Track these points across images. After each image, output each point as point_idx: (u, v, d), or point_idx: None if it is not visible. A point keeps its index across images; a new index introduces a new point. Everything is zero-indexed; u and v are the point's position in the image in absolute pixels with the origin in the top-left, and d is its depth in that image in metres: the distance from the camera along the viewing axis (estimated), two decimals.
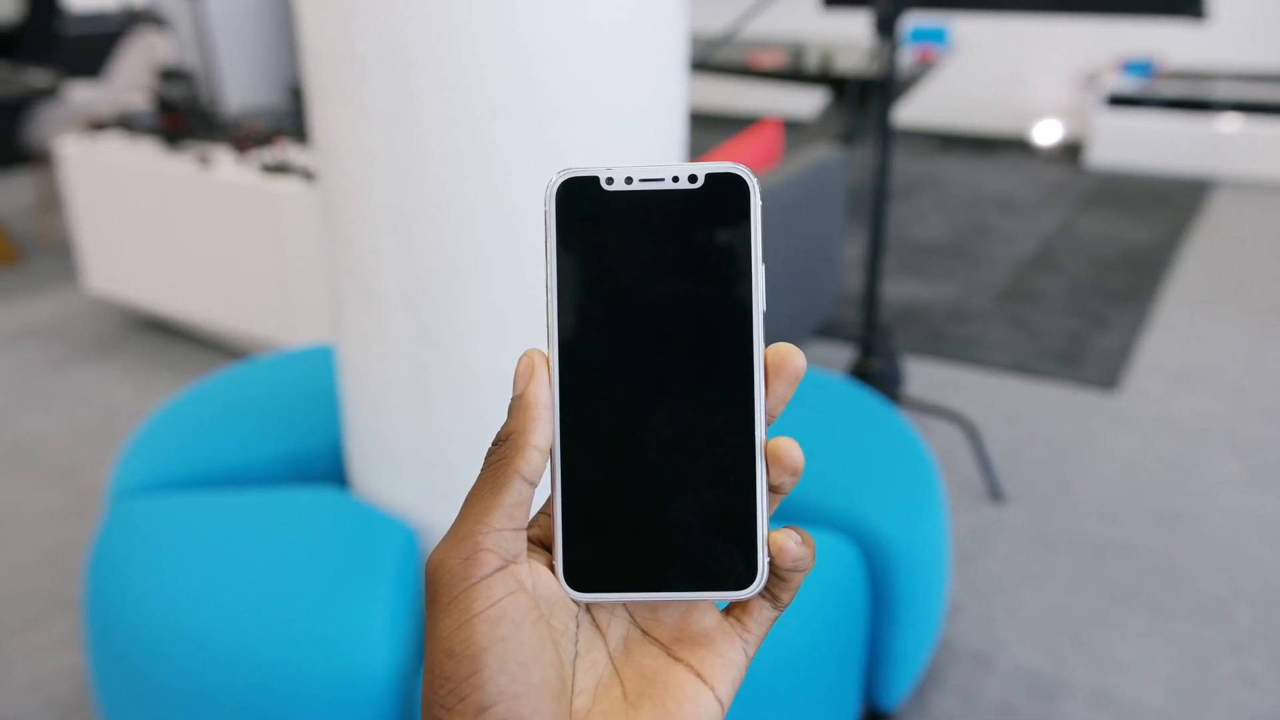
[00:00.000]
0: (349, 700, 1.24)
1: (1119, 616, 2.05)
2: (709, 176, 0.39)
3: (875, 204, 2.48)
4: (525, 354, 0.39)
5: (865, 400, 1.89)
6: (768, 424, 0.39)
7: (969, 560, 2.22)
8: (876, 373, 2.58)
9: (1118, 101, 5.73)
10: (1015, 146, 6.27)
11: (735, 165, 0.39)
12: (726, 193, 0.39)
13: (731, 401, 0.39)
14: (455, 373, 1.36)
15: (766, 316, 0.39)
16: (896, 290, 3.86)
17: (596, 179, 0.39)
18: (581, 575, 0.39)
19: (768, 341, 0.39)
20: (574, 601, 0.40)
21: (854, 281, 3.83)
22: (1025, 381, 3.11)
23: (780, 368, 0.39)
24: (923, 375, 3.12)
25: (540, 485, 0.39)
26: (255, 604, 1.32)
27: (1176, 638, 1.99)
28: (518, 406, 0.39)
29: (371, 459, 1.51)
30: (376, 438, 1.48)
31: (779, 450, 0.39)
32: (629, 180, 0.39)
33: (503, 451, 0.38)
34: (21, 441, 2.80)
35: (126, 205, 3.31)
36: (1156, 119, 5.62)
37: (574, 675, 0.39)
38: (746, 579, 0.39)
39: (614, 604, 0.40)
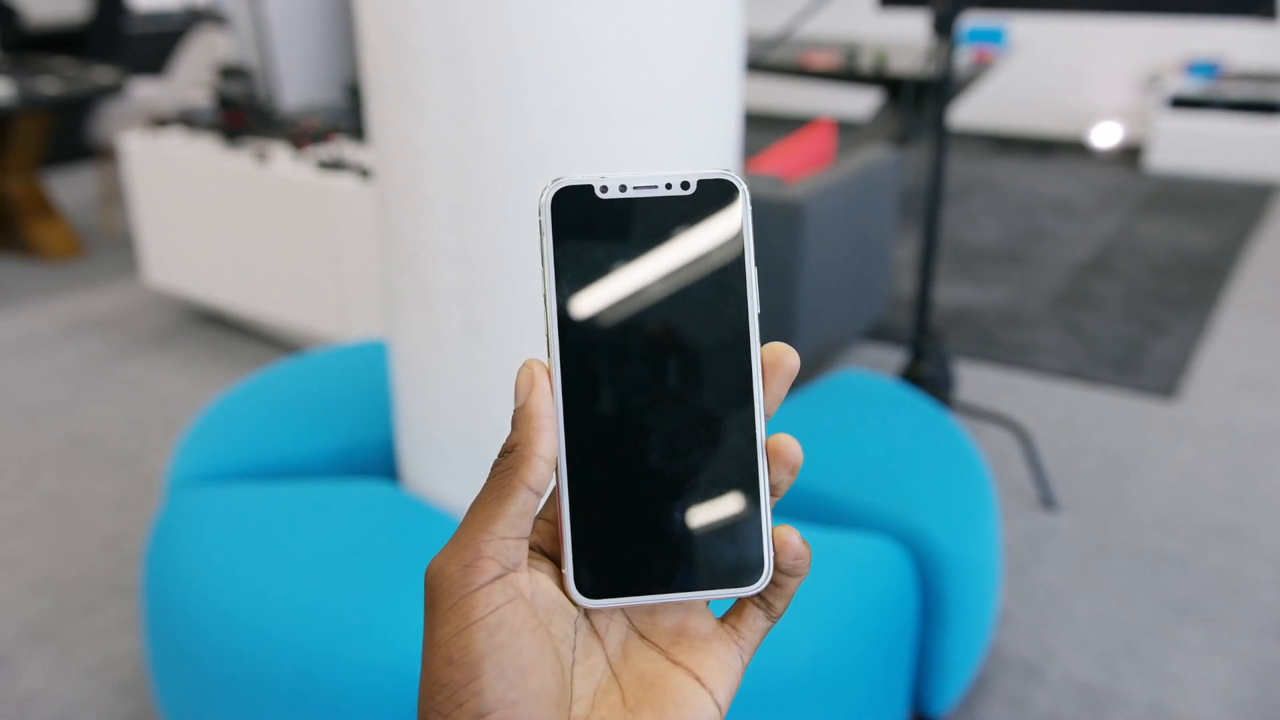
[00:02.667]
0: (395, 691, 1.25)
1: (1176, 630, 2.00)
2: (701, 183, 0.40)
3: (929, 206, 2.45)
4: (524, 364, 0.39)
5: (916, 404, 1.87)
6: (764, 421, 0.40)
7: (1020, 568, 2.18)
8: (928, 376, 2.55)
9: (1181, 103, 5.61)
10: (1073, 149, 6.16)
11: (725, 171, 0.40)
12: (718, 198, 0.40)
13: (732, 401, 0.39)
14: (507, 369, 1.36)
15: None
16: (948, 293, 3.81)
17: (591, 187, 0.40)
18: (593, 582, 0.39)
19: (764, 340, 0.40)
20: (585, 609, 0.40)
21: (905, 284, 3.79)
22: (1080, 388, 3.06)
23: (776, 366, 0.40)
24: (974, 380, 3.08)
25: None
26: (306, 594, 1.34)
27: (1236, 653, 1.94)
28: (521, 417, 0.39)
29: (422, 453, 1.53)
30: (427, 432, 1.50)
31: (780, 446, 0.39)
32: (622, 188, 0.40)
33: (509, 462, 0.38)
34: (82, 430, 2.87)
35: (186, 200, 3.37)
36: (1221, 121, 5.49)
37: (572, 682, 0.39)
38: (755, 574, 0.39)
39: (615, 609, 0.41)
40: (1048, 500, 2.44)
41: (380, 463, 1.71)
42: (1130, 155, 5.97)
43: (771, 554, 0.39)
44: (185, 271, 3.51)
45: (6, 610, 2.10)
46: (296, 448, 1.71)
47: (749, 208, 0.40)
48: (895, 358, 3.20)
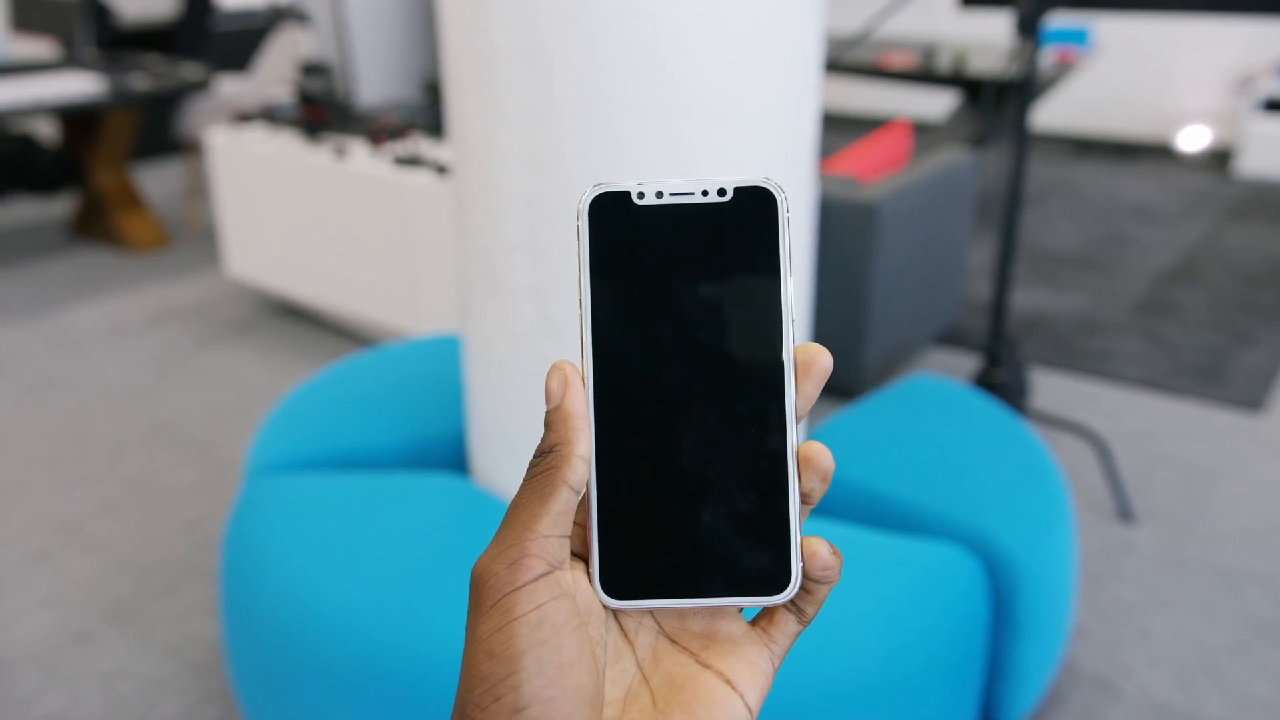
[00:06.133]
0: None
1: (1260, 651, 1.94)
2: (738, 190, 0.40)
3: (1007, 209, 2.40)
4: (555, 366, 0.40)
5: (990, 410, 1.84)
6: (796, 428, 0.40)
7: (1095, 581, 2.13)
8: (1002, 383, 2.50)
9: (1274, 106, 5.42)
10: (1157, 153, 5.99)
11: (764, 179, 0.40)
12: (755, 205, 0.40)
13: (763, 408, 0.39)
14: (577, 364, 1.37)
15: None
16: (1024, 299, 3.73)
17: (628, 194, 0.40)
18: (618, 583, 0.40)
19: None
20: (609, 609, 0.40)
21: (980, 288, 3.72)
22: (1160, 398, 2.97)
23: (809, 366, 0.40)
24: (1050, 388, 3.01)
25: None
26: (375, 583, 1.36)
27: None
28: (557, 418, 0.39)
29: (492, 447, 1.54)
30: (498, 426, 1.51)
31: (811, 454, 0.39)
32: (659, 194, 0.40)
33: (548, 462, 0.39)
34: (165, 416, 2.96)
35: (267, 194, 3.46)
36: None
37: (604, 685, 0.39)
38: (781, 584, 0.39)
39: (643, 612, 0.41)
40: (1125, 513, 2.38)
41: (451, 456, 1.74)
42: (1219, 160, 5.78)
43: (800, 563, 0.39)
44: (264, 264, 3.59)
45: (92, 589, 2.17)
46: (370, 439, 1.74)
47: (788, 215, 0.40)
48: (968, 363, 3.14)
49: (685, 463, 0.39)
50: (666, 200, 0.40)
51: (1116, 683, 1.86)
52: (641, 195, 0.40)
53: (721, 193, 0.40)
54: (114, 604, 2.12)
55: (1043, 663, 1.60)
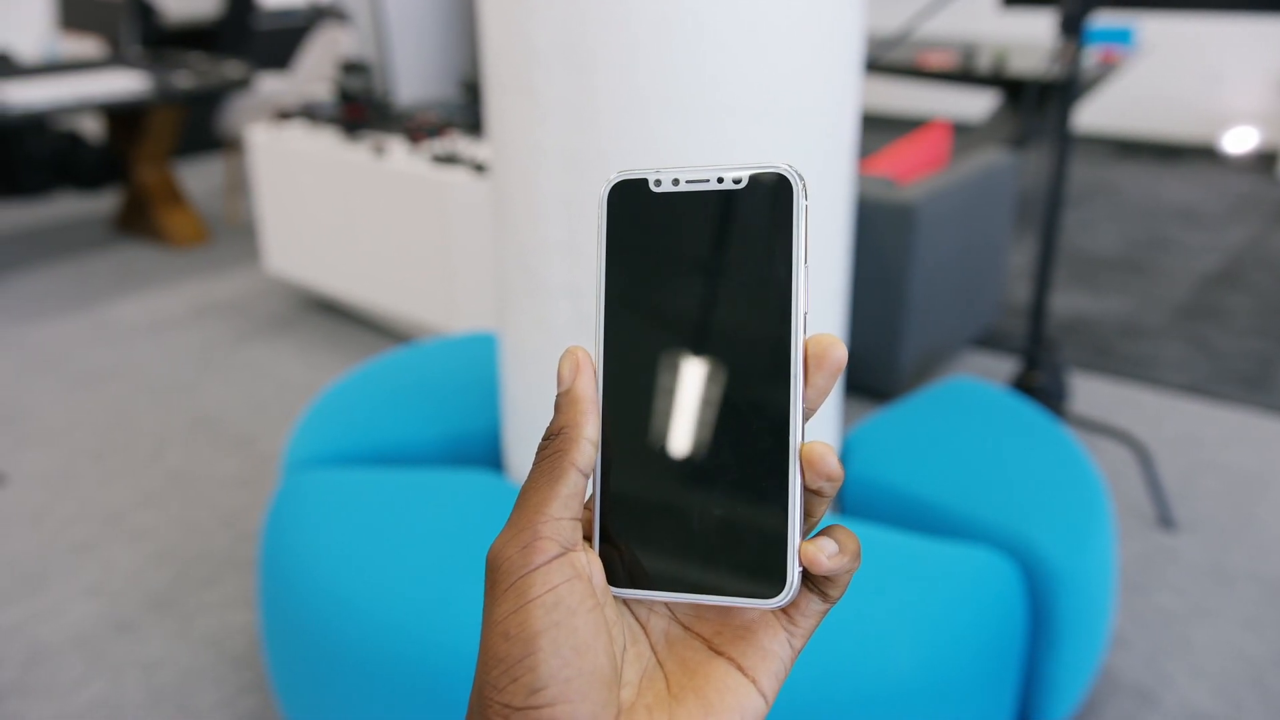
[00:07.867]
0: None
1: None
2: (754, 177, 0.39)
3: (1048, 210, 2.38)
4: (568, 351, 0.40)
5: (1028, 414, 1.82)
6: (807, 416, 0.38)
7: (1135, 589, 2.10)
8: (1040, 386, 2.47)
9: None
10: (1202, 154, 5.90)
11: (782, 165, 0.39)
12: (771, 193, 0.39)
13: (769, 404, 0.38)
14: None
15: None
16: (1064, 302, 3.69)
17: (646, 181, 0.40)
18: (616, 571, 0.40)
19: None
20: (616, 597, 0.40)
21: (1019, 291, 3.68)
22: (1204, 404, 2.92)
23: (821, 358, 0.38)
24: (1089, 392, 2.97)
25: None
26: (412, 578, 1.37)
27: None
28: (567, 402, 0.39)
29: (527, 444, 1.55)
30: (533, 423, 1.52)
31: (813, 455, 0.38)
32: (675, 182, 0.40)
33: (556, 445, 0.39)
34: (205, 409, 3.00)
35: (306, 191, 3.49)
36: None
37: (621, 666, 0.39)
38: (776, 588, 0.38)
39: (650, 601, 0.41)
40: (1166, 520, 2.34)
41: (486, 452, 1.74)
42: (1265, 162, 5.68)
43: (798, 569, 0.38)
44: (303, 260, 3.63)
45: (135, 580, 2.21)
46: (406, 435, 1.76)
47: (804, 203, 0.38)
48: (1006, 366, 3.11)
49: (688, 455, 0.39)
50: (683, 188, 0.40)
51: (1156, 692, 1.83)
52: (659, 183, 0.40)
53: (737, 180, 0.39)
54: (155, 594, 2.15)
55: (1081, 670, 1.58)
